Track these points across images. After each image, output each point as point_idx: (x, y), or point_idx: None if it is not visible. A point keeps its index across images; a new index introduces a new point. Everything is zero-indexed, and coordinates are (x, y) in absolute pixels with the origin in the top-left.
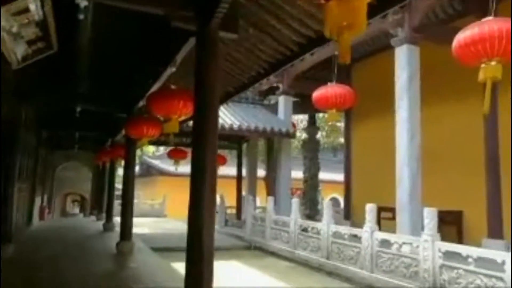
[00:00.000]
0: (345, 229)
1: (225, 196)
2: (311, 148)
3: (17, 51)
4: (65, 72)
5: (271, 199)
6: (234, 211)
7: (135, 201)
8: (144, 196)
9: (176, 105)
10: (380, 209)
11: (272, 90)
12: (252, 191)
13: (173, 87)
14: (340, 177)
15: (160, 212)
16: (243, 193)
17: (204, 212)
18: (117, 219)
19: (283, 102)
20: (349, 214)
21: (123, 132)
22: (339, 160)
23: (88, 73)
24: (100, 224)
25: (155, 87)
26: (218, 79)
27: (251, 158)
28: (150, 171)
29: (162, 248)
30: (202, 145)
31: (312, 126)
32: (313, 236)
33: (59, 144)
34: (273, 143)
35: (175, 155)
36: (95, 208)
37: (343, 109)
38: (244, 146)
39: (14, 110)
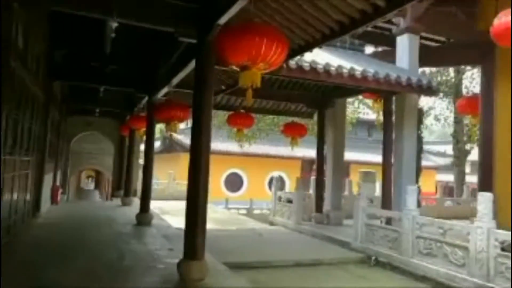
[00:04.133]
0: None
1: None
2: None
3: None
4: None
5: (413, 190)
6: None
7: (165, 181)
8: (168, 174)
9: None
10: None
11: (369, 35)
12: (339, 177)
13: None
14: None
15: None
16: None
17: None
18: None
19: (406, 44)
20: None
21: (184, 72)
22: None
23: None
24: (129, 212)
25: None
26: None
27: (340, 130)
28: (173, 147)
29: (237, 265)
30: None
31: None
32: None
33: (77, 104)
34: (390, 106)
35: (236, 122)
36: (119, 190)
37: None
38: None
39: None
